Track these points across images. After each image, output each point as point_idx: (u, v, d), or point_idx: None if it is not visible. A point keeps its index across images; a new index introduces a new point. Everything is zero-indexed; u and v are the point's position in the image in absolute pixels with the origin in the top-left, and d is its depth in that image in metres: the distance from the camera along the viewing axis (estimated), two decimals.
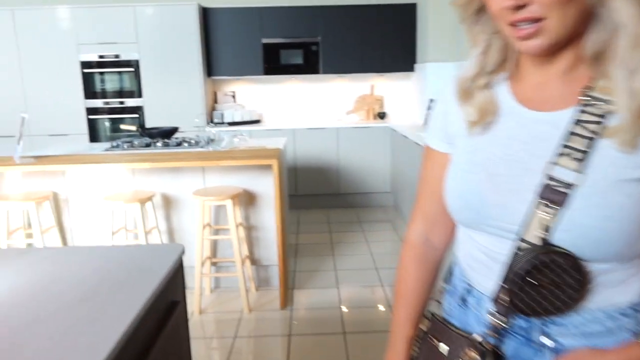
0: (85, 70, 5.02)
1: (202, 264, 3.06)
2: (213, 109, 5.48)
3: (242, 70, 5.31)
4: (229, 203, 2.94)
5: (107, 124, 5.17)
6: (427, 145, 0.96)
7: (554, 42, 0.71)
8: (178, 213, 3.26)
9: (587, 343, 0.76)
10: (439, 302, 1.00)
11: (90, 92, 5.08)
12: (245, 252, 3.21)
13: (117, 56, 5.00)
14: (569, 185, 0.71)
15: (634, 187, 0.69)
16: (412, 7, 5.16)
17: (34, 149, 5.10)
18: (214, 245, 3.30)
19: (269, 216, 3.25)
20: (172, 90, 5.07)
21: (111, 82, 5.09)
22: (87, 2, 5.12)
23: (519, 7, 0.68)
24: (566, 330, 0.77)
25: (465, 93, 0.84)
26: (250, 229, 3.29)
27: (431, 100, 4.80)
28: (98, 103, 5.10)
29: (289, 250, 3.85)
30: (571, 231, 0.71)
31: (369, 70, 5.32)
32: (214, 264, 3.31)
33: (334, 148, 5.19)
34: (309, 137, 5.16)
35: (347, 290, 3.28)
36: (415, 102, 5.37)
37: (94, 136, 5.18)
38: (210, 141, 3.77)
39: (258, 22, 5.19)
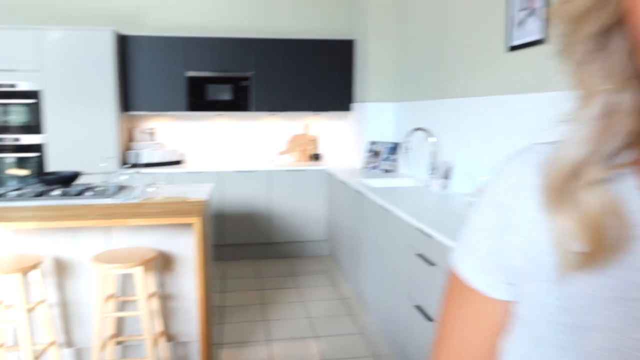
0: None
1: (103, 346, 2.46)
2: (128, 148, 4.86)
3: (163, 105, 4.77)
4: (138, 271, 2.39)
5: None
6: (462, 279, 0.53)
7: None
8: (75, 281, 2.65)
9: None
10: None
11: None
12: (160, 327, 2.64)
13: (12, 86, 4.31)
14: None
15: None
16: (349, 44, 4.90)
17: None
18: (121, 320, 2.71)
19: (189, 282, 2.72)
20: (81, 126, 4.42)
21: (4, 116, 4.36)
22: None
23: None
24: None
25: (562, 194, 0.43)
26: (165, 299, 2.73)
27: (371, 143, 4.51)
28: None
29: (213, 316, 3.31)
30: None
31: (303, 109, 4.97)
32: (119, 342, 2.71)
33: (265, 192, 4.74)
34: (237, 180, 4.68)
35: None
36: (353, 144, 5.06)
37: None
38: (120, 189, 3.20)
39: (182, 54, 4.71)
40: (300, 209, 4.79)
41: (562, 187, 0.43)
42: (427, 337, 2.31)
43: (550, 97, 2.19)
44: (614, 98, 0.42)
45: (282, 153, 5.14)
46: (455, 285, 0.55)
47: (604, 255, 0.41)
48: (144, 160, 4.65)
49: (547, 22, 2.23)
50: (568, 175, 0.43)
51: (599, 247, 0.41)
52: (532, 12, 2.36)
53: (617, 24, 0.40)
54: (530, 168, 0.48)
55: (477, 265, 0.52)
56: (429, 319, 2.27)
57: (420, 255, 2.36)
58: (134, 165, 4.56)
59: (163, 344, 2.66)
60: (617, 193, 0.43)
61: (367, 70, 4.53)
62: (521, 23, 2.45)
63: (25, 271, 2.33)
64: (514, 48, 2.52)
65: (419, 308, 2.39)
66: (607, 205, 0.41)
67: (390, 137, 4.49)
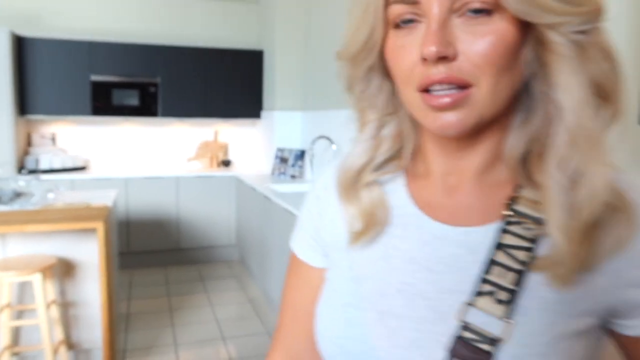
0: None
1: None
2: (26, 153, 4.64)
3: (65, 109, 4.61)
4: (37, 278, 2.35)
5: None
6: (295, 254, 0.71)
7: (478, 120, 0.51)
8: None
9: None
10: None
11: None
12: (60, 335, 2.60)
13: None
14: (493, 341, 0.51)
15: (574, 344, 0.52)
16: (259, 54, 5.04)
17: None
18: (18, 330, 2.63)
19: (92, 289, 2.71)
20: None
21: None
22: None
23: (440, 60, 0.49)
24: None
25: (349, 190, 0.62)
26: (66, 306, 2.69)
27: (278, 150, 4.67)
28: None
29: (119, 323, 3.28)
30: None
31: (213, 115, 5.02)
32: (16, 354, 2.63)
33: (173, 198, 4.73)
34: (145, 186, 4.63)
35: None
36: (262, 151, 5.20)
37: None
38: (17, 196, 3.09)
39: (86, 58, 4.59)
40: (210, 215, 4.84)
41: (349, 186, 0.62)
42: None
43: None
44: (380, 126, 0.61)
45: (191, 159, 5.15)
46: (292, 261, 0.72)
47: (373, 231, 0.59)
48: (44, 166, 4.47)
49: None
50: (352, 178, 0.61)
51: (369, 226, 0.60)
52: None
53: (379, 68, 0.57)
54: (335, 171, 0.65)
55: (304, 242, 0.70)
56: None
57: None
58: (33, 172, 4.35)
59: (64, 352, 2.62)
60: (386, 190, 0.62)
61: (274, 79, 4.69)
62: None
63: None
64: None
65: None
66: (376, 198, 0.61)
67: (297, 144, 4.68)
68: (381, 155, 0.61)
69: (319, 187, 0.69)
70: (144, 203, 4.63)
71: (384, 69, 0.58)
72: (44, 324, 2.39)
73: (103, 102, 4.65)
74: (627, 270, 0.52)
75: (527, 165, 0.55)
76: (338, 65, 0.61)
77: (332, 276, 0.64)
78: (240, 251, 4.82)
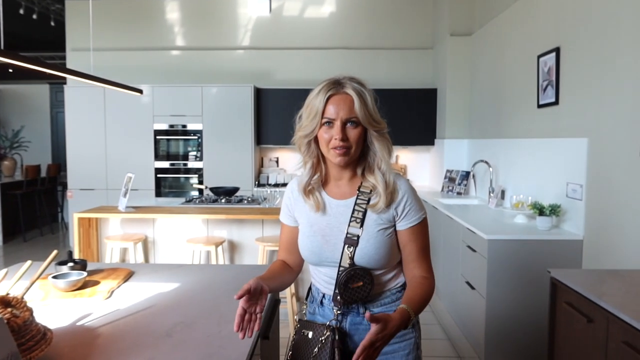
0: (158, 137, 6.04)
1: None
2: (259, 172, 6.40)
3: (285, 139, 6.25)
4: None
5: (171, 181, 6.12)
6: (282, 222, 1.61)
7: (352, 158, 1.41)
8: (240, 256, 4.08)
9: (384, 309, 1.45)
10: (301, 318, 1.57)
11: (159, 154, 6.08)
12: (292, 290, 3.97)
13: (184, 126, 6.03)
14: (357, 236, 1.41)
15: (386, 231, 1.42)
16: (433, 92, 6.11)
17: (112, 202, 6.05)
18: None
19: None
20: (227, 155, 6.03)
21: (177, 147, 6.08)
22: (163, 82, 6.22)
23: (343, 140, 1.36)
24: (373, 305, 1.47)
25: (304, 193, 1.50)
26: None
27: (447, 171, 5.63)
28: (165, 164, 6.08)
29: None
30: (361, 257, 1.40)
31: (394, 143, 6.18)
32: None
33: None
34: None
35: None
36: (434, 172, 6.21)
37: (158, 192, 6.12)
38: (264, 199, 4.64)
39: (301, 101, 6.16)
40: None
41: (303, 190, 1.49)
42: (471, 300, 3.41)
43: (561, 141, 3.28)
44: (312, 162, 1.48)
45: None
46: (281, 225, 1.61)
47: (318, 208, 1.46)
48: (271, 181, 6.14)
49: (557, 91, 3.32)
50: (304, 187, 1.49)
51: (317, 207, 1.46)
52: (550, 83, 3.45)
53: (314, 141, 1.43)
54: (296, 184, 1.54)
55: (285, 214, 1.58)
56: (473, 288, 3.38)
57: (469, 247, 3.48)
58: (263, 185, 6.06)
59: (294, 302, 3.98)
60: (319, 193, 1.49)
61: (445, 113, 5.71)
62: (544, 89, 3.54)
63: (217, 245, 3.79)
64: (540, 106, 3.61)
65: (468, 283, 3.50)
66: (317, 198, 1.48)
67: (463, 167, 5.59)
68: (316, 176, 1.48)
69: (291, 188, 1.55)
70: None
71: (314, 141, 1.43)
72: None
73: None
74: (397, 207, 1.41)
75: (365, 175, 1.44)
76: (294, 141, 1.76)
77: (302, 228, 1.51)
78: None
